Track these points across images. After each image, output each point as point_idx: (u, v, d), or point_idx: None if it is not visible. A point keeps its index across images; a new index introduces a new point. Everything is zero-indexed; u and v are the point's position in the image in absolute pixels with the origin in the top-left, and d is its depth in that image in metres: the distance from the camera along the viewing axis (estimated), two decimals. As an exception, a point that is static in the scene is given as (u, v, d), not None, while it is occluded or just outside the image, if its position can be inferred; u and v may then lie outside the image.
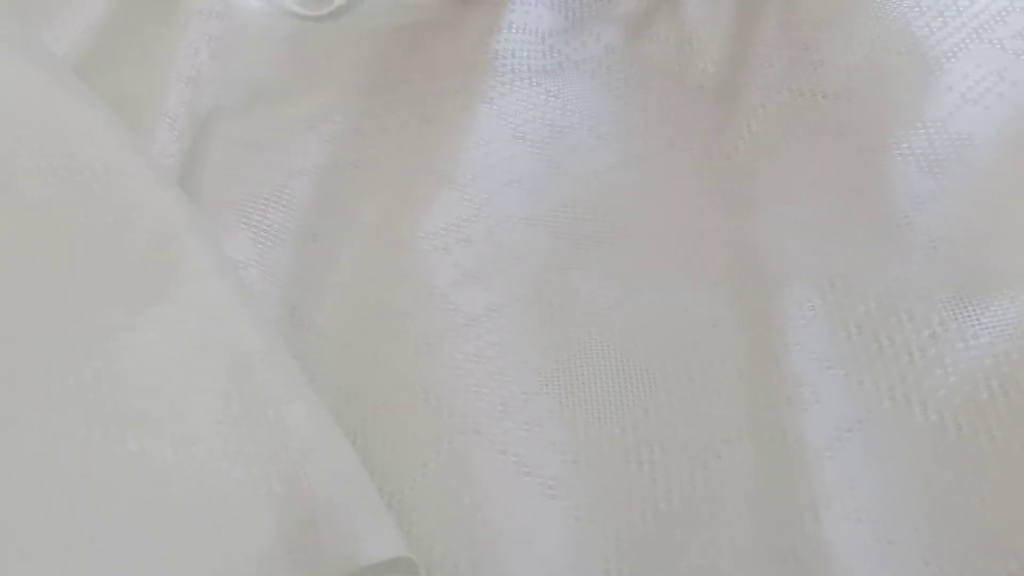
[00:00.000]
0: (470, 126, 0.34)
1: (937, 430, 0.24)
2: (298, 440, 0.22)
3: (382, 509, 0.23)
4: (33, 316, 0.24)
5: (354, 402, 0.27)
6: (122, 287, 0.25)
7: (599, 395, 0.27)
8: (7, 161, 0.27)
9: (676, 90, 0.37)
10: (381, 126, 0.36)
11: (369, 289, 0.30)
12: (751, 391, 0.26)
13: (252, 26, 0.40)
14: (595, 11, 0.40)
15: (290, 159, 0.35)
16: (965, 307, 0.26)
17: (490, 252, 0.31)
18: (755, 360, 0.27)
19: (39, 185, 0.27)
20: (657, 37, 0.38)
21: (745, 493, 0.25)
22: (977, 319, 0.25)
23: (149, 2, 0.39)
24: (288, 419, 0.23)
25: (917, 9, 0.34)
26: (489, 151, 0.34)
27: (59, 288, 0.25)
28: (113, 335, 0.23)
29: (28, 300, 0.24)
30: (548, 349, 0.28)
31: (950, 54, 0.33)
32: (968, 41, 0.33)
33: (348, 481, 0.23)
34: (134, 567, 0.20)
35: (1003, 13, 0.34)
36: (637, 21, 0.39)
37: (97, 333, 0.23)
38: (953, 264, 0.28)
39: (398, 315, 0.29)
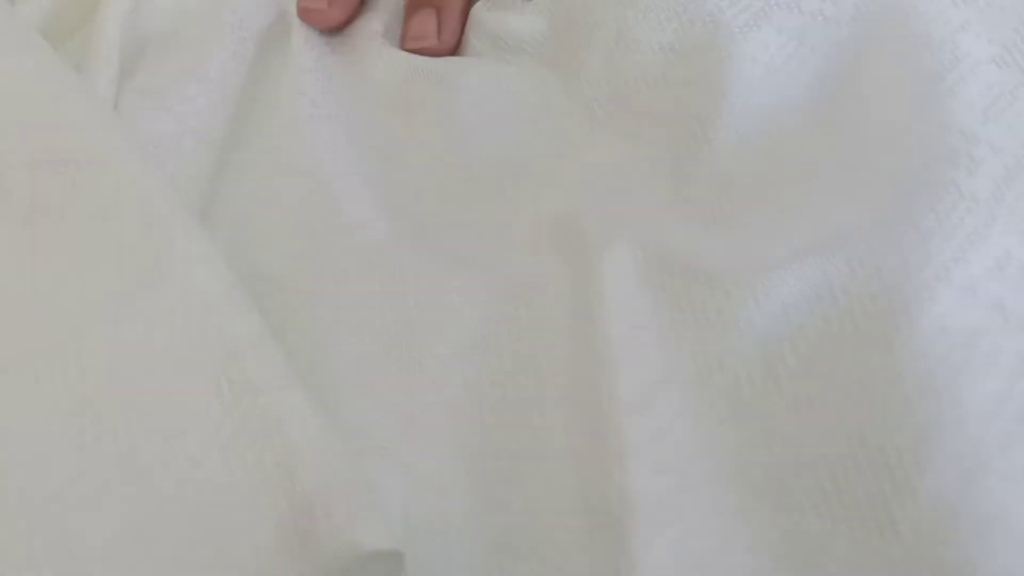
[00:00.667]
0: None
1: (733, 388, 0.26)
2: (292, 427, 0.22)
3: (374, 499, 0.23)
4: (19, 314, 0.23)
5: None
6: (108, 278, 0.24)
7: (435, 360, 0.28)
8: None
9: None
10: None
11: None
12: (573, 352, 0.28)
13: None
14: None
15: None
16: (756, 269, 0.28)
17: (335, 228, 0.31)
18: (577, 323, 0.28)
19: (25, 179, 0.25)
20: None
21: (563, 449, 0.26)
22: (766, 277, 0.27)
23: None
24: (281, 408, 0.23)
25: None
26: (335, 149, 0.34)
27: (45, 283, 0.24)
28: (100, 329, 0.23)
29: (14, 297, 0.23)
30: (387, 318, 0.29)
31: (752, 22, 0.34)
32: (767, 7, 0.35)
33: (342, 469, 0.23)
34: (130, 565, 0.20)
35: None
36: None
37: (84, 328, 0.23)
38: (750, 231, 0.30)
39: None
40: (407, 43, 0.40)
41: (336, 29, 0.41)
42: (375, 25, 0.42)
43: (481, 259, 0.31)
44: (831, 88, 0.33)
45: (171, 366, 0.23)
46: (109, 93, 0.35)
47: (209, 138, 0.37)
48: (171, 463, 0.22)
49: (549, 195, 0.34)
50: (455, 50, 0.41)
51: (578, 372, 0.27)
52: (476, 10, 0.42)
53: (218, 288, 0.25)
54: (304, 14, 0.40)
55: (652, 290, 0.28)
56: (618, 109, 0.36)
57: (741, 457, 0.25)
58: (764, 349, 0.26)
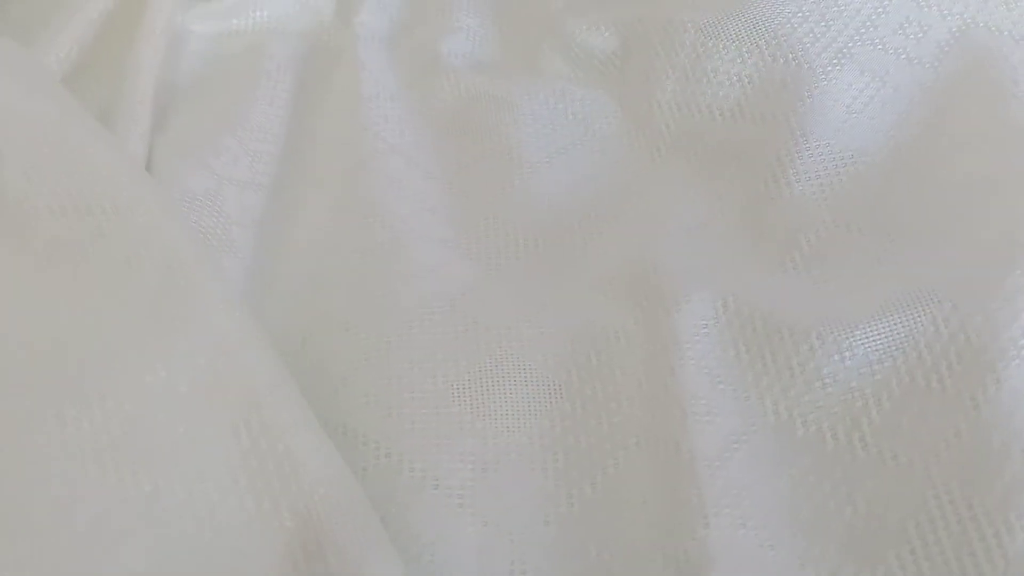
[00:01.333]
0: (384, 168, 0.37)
1: (816, 441, 0.28)
2: (307, 473, 0.25)
3: (386, 542, 0.26)
4: (45, 357, 0.26)
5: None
6: (132, 325, 0.26)
7: (508, 406, 0.31)
8: (21, 201, 0.28)
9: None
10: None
11: (288, 329, 0.32)
12: (648, 402, 0.30)
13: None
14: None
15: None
16: (840, 322, 0.30)
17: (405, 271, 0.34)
18: (653, 372, 0.31)
19: (52, 225, 0.28)
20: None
21: (640, 498, 0.29)
22: (851, 332, 0.30)
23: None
24: (297, 452, 0.25)
25: (800, 14, 0.37)
26: (402, 186, 0.37)
27: (70, 327, 0.26)
28: (124, 373, 0.25)
29: (39, 340, 0.26)
30: (460, 363, 0.32)
31: (835, 60, 0.37)
32: (851, 44, 0.37)
33: (355, 513, 0.25)
34: None
35: (884, 3, 0.38)
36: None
37: (109, 373, 0.25)
38: (832, 281, 0.32)
39: (317, 352, 0.31)
40: None
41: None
42: (437, 44, 0.44)
43: (553, 303, 0.34)
44: (914, 133, 0.35)
45: (193, 412, 0.26)
46: (140, 148, 0.38)
47: (255, 186, 0.39)
48: (192, 506, 0.24)
49: (619, 234, 0.36)
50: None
51: (655, 423, 0.30)
52: (555, 13, 0.44)
53: (238, 335, 0.28)
54: None
55: (733, 343, 0.30)
56: (689, 140, 0.38)
57: (825, 512, 0.27)
58: (848, 404, 0.29)
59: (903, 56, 0.37)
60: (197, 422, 0.26)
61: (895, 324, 0.29)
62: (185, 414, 0.26)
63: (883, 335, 0.29)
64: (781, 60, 0.37)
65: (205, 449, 0.26)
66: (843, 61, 0.36)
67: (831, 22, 0.37)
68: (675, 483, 0.28)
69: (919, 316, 0.29)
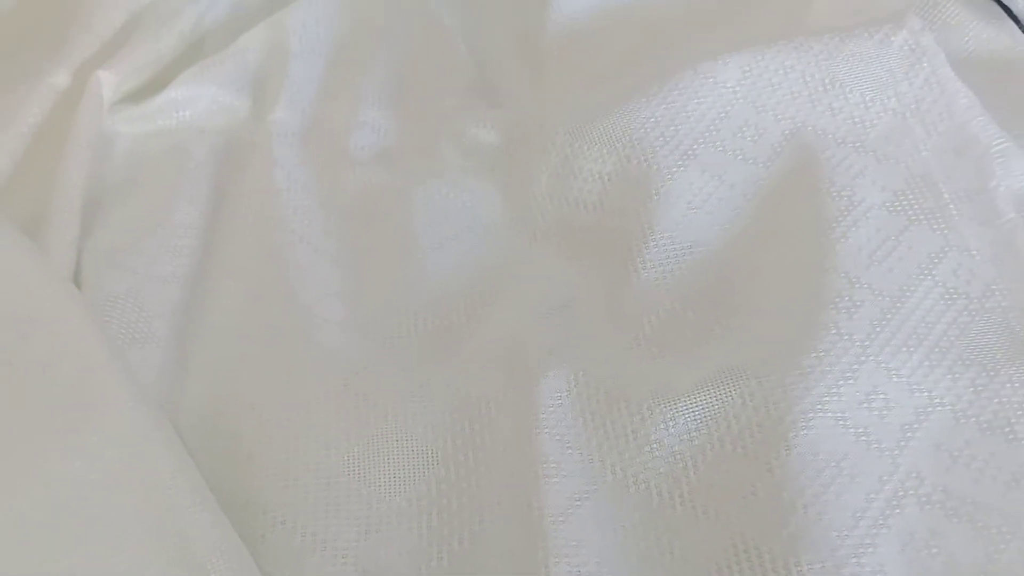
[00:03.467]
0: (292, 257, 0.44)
1: (644, 498, 0.35)
2: (202, 545, 0.31)
3: None
4: None
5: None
6: (52, 420, 0.32)
7: (391, 474, 0.37)
8: None
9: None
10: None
11: (202, 410, 0.38)
12: (510, 465, 0.36)
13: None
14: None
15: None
16: (667, 397, 0.36)
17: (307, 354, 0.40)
18: (515, 439, 0.37)
19: None
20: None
21: (500, 552, 0.35)
22: (675, 404, 0.36)
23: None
24: (194, 529, 0.31)
25: (652, 119, 0.44)
26: (309, 273, 0.43)
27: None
28: (46, 464, 0.31)
29: None
30: (352, 437, 0.38)
31: (680, 161, 0.43)
32: (696, 146, 0.44)
33: (241, 568, 0.31)
34: None
35: (727, 109, 0.45)
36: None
37: (32, 463, 0.31)
38: (665, 357, 0.38)
39: (227, 430, 0.37)
40: None
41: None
42: (345, 138, 0.51)
43: (436, 378, 0.40)
44: (746, 225, 0.42)
45: (105, 496, 0.31)
46: (69, 257, 0.43)
47: (175, 279, 0.44)
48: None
49: (496, 312, 0.43)
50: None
51: (514, 483, 0.36)
52: (449, 109, 0.51)
53: (144, 429, 0.34)
54: None
55: (581, 413, 0.37)
56: (559, 229, 0.45)
57: (649, 558, 0.34)
58: (671, 465, 0.35)
59: (739, 156, 0.43)
60: (108, 506, 0.32)
61: (712, 397, 0.36)
62: (98, 498, 0.32)
63: (701, 406, 0.35)
64: (634, 160, 0.44)
65: (116, 529, 0.31)
66: (687, 162, 0.43)
67: (679, 126, 0.44)
68: (526, 537, 0.34)
69: (731, 390, 0.35)
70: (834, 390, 0.35)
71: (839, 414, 0.34)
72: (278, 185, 0.48)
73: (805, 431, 0.34)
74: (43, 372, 0.35)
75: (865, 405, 0.35)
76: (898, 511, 0.33)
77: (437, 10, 0.56)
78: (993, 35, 0.49)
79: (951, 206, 0.41)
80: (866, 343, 0.36)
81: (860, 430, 0.34)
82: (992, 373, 0.36)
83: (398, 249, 0.46)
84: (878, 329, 0.36)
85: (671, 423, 0.35)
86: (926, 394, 0.35)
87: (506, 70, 0.52)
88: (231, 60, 0.53)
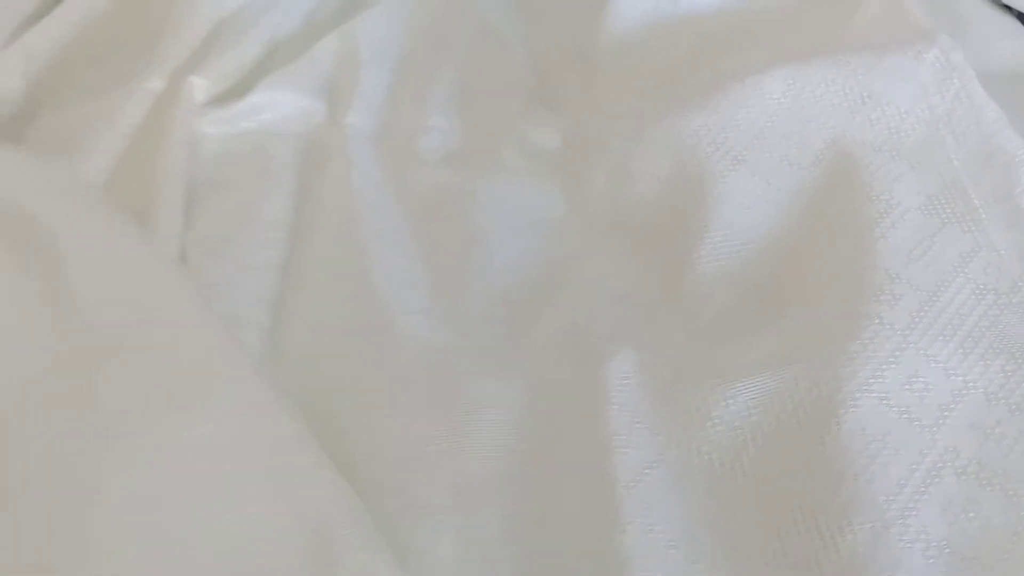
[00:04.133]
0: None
1: (708, 469, 0.39)
2: (323, 500, 0.34)
3: (386, 549, 0.35)
4: (114, 417, 0.35)
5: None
6: (180, 391, 0.36)
7: (477, 445, 0.41)
8: (86, 296, 0.38)
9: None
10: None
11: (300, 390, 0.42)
12: (583, 439, 0.41)
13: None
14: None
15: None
16: (726, 378, 0.40)
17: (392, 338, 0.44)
18: (586, 415, 0.41)
19: (109, 314, 0.38)
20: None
21: (577, 514, 0.39)
22: (735, 385, 0.40)
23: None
24: (315, 486, 0.35)
25: (704, 127, 0.48)
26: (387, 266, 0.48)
27: (131, 394, 0.36)
28: (177, 430, 0.35)
29: (109, 404, 0.35)
30: (439, 412, 0.42)
31: (731, 166, 0.47)
32: (745, 152, 0.48)
33: (358, 516, 0.35)
34: None
35: (772, 119, 0.49)
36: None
37: (165, 430, 0.35)
38: (723, 342, 0.43)
39: (323, 409, 0.41)
40: None
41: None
42: (414, 141, 0.55)
43: (510, 362, 0.44)
44: (792, 226, 0.46)
45: (233, 457, 0.35)
46: (174, 247, 0.47)
47: (269, 269, 0.49)
48: (239, 524, 0.34)
49: (562, 302, 0.47)
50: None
51: (586, 455, 0.40)
52: (512, 116, 0.55)
53: (265, 397, 0.37)
54: None
55: (647, 392, 0.41)
56: (618, 224, 0.49)
57: (713, 523, 0.38)
58: (732, 439, 0.39)
59: (785, 162, 0.47)
60: (236, 467, 0.36)
61: (767, 378, 0.40)
62: (225, 461, 0.36)
63: (758, 387, 0.39)
64: (689, 164, 0.48)
65: (244, 487, 0.35)
66: (738, 166, 0.47)
67: (729, 133, 0.48)
68: (600, 501, 0.38)
69: (785, 372, 0.39)
70: (878, 373, 0.38)
71: (883, 395, 0.38)
72: (355, 184, 0.52)
73: (853, 409, 0.38)
74: (168, 349, 0.38)
75: (907, 387, 0.38)
76: (937, 480, 0.36)
77: (496, 23, 0.60)
78: (1017, 51, 0.53)
79: (980, 210, 0.45)
80: (906, 332, 0.40)
81: (902, 409, 0.38)
82: (1020, 360, 0.39)
83: (467, 243, 0.50)
84: (917, 320, 0.40)
85: (731, 401, 0.39)
86: (961, 378, 0.39)
87: (562, 79, 0.56)
88: (307, 68, 0.57)
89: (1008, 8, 0.57)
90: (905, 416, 0.38)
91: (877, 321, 0.40)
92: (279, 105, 0.56)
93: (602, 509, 0.38)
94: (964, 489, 0.36)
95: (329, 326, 0.46)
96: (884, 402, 0.38)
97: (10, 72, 0.53)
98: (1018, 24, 0.53)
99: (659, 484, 0.38)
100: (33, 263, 0.42)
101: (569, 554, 0.37)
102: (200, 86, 0.53)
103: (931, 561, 0.34)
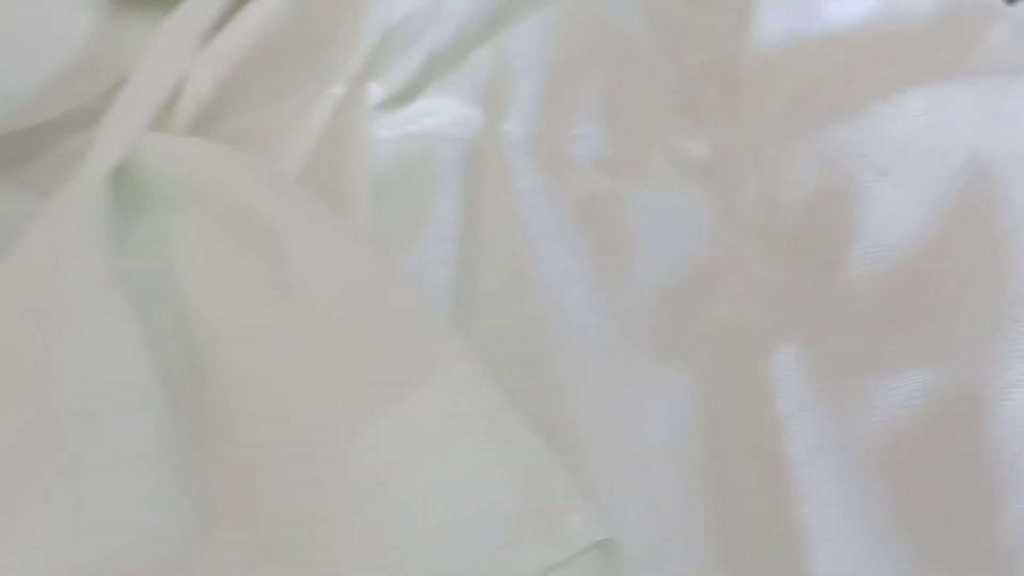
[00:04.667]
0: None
1: (871, 452, 0.43)
2: (539, 462, 0.39)
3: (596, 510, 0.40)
4: (347, 387, 0.40)
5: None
6: (403, 366, 0.41)
7: (655, 425, 0.45)
8: (307, 282, 0.43)
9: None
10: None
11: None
12: (752, 424, 0.45)
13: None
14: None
15: None
16: (884, 372, 0.45)
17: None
18: (755, 403, 0.45)
19: (330, 298, 0.43)
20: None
21: (752, 488, 0.43)
22: (894, 378, 0.44)
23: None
24: (530, 449, 0.39)
25: (850, 141, 0.52)
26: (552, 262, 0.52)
27: (358, 368, 0.41)
28: (405, 399, 0.39)
29: (340, 376, 0.40)
30: (618, 396, 0.46)
31: (877, 177, 0.51)
32: (889, 164, 0.52)
33: (567, 483, 0.39)
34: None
35: (914, 134, 0.53)
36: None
37: (394, 401, 0.39)
38: (878, 340, 0.47)
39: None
40: None
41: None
42: (566, 147, 0.59)
43: (676, 353, 0.48)
44: (936, 234, 0.50)
45: (456, 424, 0.40)
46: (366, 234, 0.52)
47: (444, 262, 0.53)
48: (457, 489, 0.39)
49: (718, 300, 0.51)
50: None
51: (758, 438, 0.44)
52: (660, 124, 0.59)
53: (476, 369, 0.42)
54: None
55: (810, 383, 0.45)
56: (767, 230, 0.53)
57: (880, 500, 0.42)
58: (892, 427, 0.43)
59: (927, 175, 0.51)
60: (459, 433, 0.41)
61: (924, 373, 0.44)
62: (441, 431, 0.41)
63: (917, 380, 0.44)
64: (837, 175, 0.52)
65: (466, 451, 0.40)
66: (883, 178, 0.51)
67: (874, 147, 0.52)
68: (776, 478, 0.43)
69: (939, 369, 0.44)
70: (1025, 372, 0.43)
71: (1034, 390, 0.42)
72: (517, 186, 0.57)
73: (1005, 402, 0.42)
74: (387, 329, 0.43)
75: (1056, 383, 0.43)
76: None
77: (638, 37, 0.64)
78: None
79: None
80: (1050, 334, 0.44)
81: (1051, 402, 0.42)
82: None
83: (623, 244, 0.54)
84: (1059, 323, 0.44)
85: (891, 393, 0.44)
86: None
87: (706, 92, 0.61)
88: (464, 77, 0.62)
89: None
90: (1055, 410, 0.42)
91: (1021, 325, 0.44)
92: (441, 111, 0.61)
93: (779, 484, 0.42)
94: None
95: (501, 317, 0.51)
96: (1035, 397, 0.42)
97: (204, 73, 0.58)
98: None
99: (828, 464, 0.43)
100: (255, 251, 0.47)
101: (751, 521, 0.42)
102: (376, 92, 0.58)
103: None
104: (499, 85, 0.62)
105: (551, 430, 0.45)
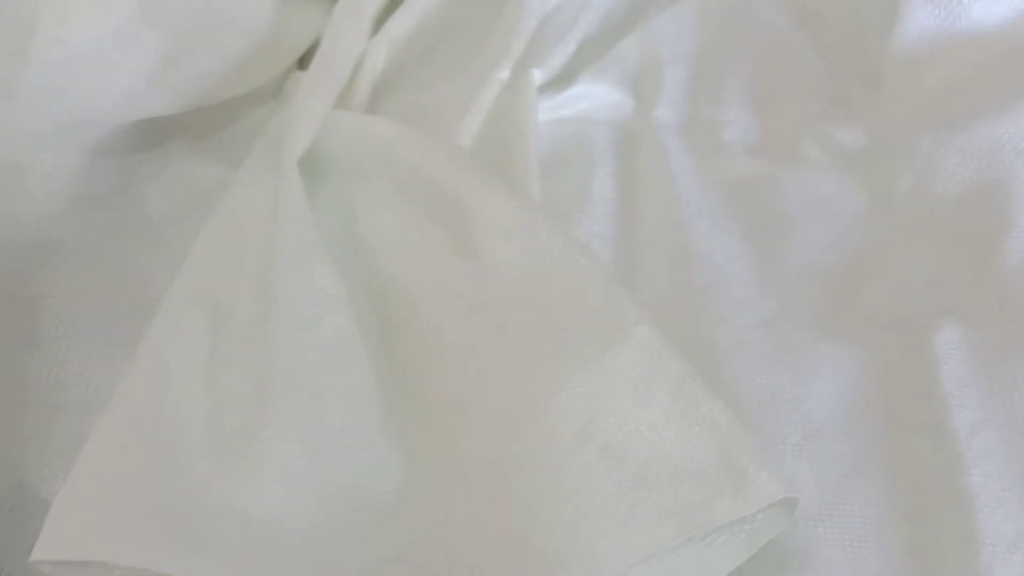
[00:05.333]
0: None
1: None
2: (723, 419, 0.42)
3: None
4: (545, 347, 0.43)
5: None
6: (595, 328, 0.44)
7: (817, 397, 0.48)
8: (494, 252, 0.46)
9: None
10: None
11: None
12: (915, 399, 0.47)
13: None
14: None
15: None
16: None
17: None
18: (917, 378, 0.48)
19: (518, 267, 0.46)
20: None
21: (920, 463, 0.46)
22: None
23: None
24: (716, 408, 0.42)
25: (1007, 135, 0.54)
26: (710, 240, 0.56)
27: (553, 331, 0.44)
28: (601, 359, 0.42)
29: (537, 337, 0.44)
30: (781, 366, 0.49)
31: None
32: None
33: (752, 442, 0.42)
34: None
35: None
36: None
37: (582, 362, 0.42)
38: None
39: None
40: None
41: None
42: (718, 133, 0.62)
43: (837, 331, 0.51)
44: (1091, 225, 0.52)
45: (634, 393, 0.43)
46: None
47: (605, 238, 0.57)
48: (649, 444, 0.41)
49: (876, 284, 0.53)
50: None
51: (923, 412, 0.47)
52: (813, 113, 0.62)
53: (660, 338, 0.45)
54: None
55: (973, 361, 0.48)
56: (921, 219, 0.55)
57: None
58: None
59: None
60: (640, 398, 0.43)
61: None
62: (630, 393, 0.43)
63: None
64: (993, 168, 0.54)
65: (652, 413, 0.43)
66: (1033, 172, 0.53)
67: (1029, 138, 0.54)
68: (943, 451, 0.45)
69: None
70: None
71: None
72: (672, 169, 0.60)
73: None
74: (576, 295, 0.46)
75: None
76: None
77: (783, 29, 0.67)
78: None
79: None
80: None
81: None
82: None
83: (777, 227, 0.57)
84: None
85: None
86: None
87: (854, 83, 0.63)
88: (614, 65, 0.65)
89: None
90: None
91: None
92: (594, 97, 0.64)
93: (947, 455, 0.45)
94: None
95: (667, 290, 0.54)
96: None
97: (377, 55, 0.61)
98: None
99: (991, 439, 0.45)
100: (440, 220, 0.51)
101: (922, 487, 0.44)
102: (537, 77, 0.61)
103: None
104: (647, 72, 0.65)
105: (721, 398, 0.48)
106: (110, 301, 0.53)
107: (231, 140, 0.60)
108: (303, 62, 0.65)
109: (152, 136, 0.59)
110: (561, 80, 0.64)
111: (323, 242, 0.50)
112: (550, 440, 0.41)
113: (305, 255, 0.47)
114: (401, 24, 0.63)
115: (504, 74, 0.61)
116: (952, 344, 0.48)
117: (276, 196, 0.50)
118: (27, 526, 0.45)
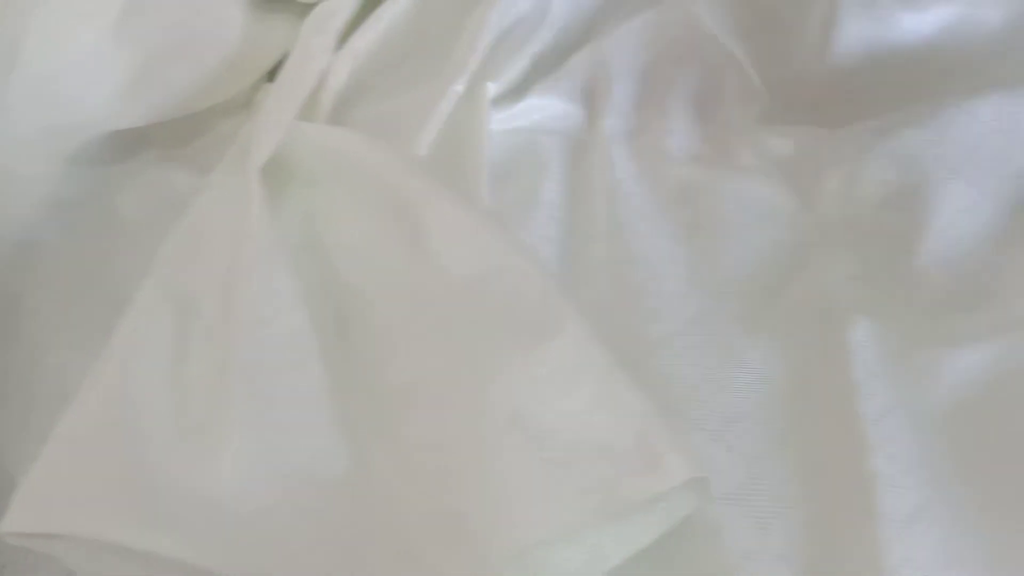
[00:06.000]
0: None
1: (938, 412, 0.49)
2: (641, 405, 0.46)
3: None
4: (485, 338, 0.47)
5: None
6: (532, 322, 0.48)
7: (740, 385, 0.52)
8: (444, 253, 0.50)
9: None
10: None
11: None
12: (831, 386, 0.51)
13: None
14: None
15: None
16: (952, 345, 0.51)
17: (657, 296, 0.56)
18: (832, 369, 0.52)
19: (466, 266, 0.49)
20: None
21: (824, 443, 0.49)
22: (958, 350, 0.50)
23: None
24: (635, 396, 0.46)
25: (927, 141, 0.58)
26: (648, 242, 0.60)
27: (494, 322, 0.48)
28: (536, 349, 0.46)
29: (479, 328, 0.47)
30: (705, 356, 0.53)
31: (949, 176, 0.57)
32: (960, 165, 0.57)
33: (667, 426, 0.46)
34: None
35: (983, 138, 0.59)
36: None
37: (516, 354, 0.46)
38: (946, 315, 0.53)
39: None
40: None
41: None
42: (661, 142, 0.66)
43: (762, 323, 0.55)
44: (1001, 226, 0.56)
45: (565, 379, 0.47)
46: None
47: (553, 242, 0.60)
48: (574, 429, 0.45)
49: (801, 280, 0.57)
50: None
51: (833, 399, 0.51)
52: (749, 122, 0.66)
53: (587, 333, 0.48)
54: None
55: (884, 353, 0.51)
56: (846, 221, 0.59)
57: (943, 456, 0.47)
58: (954, 394, 0.49)
59: (994, 175, 0.57)
60: (568, 385, 0.47)
61: (987, 347, 0.50)
62: (559, 380, 0.47)
63: (979, 353, 0.50)
64: (912, 173, 0.58)
65: (577, 400, 0.46)
66: (955, 176, 0.57)
67: (947, 148, 0.58)
68: (848, 434, 0.49)
69: (1001, 344, 0.50)
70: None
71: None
72: (616, 175, 0.63)
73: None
74: (517, 291, 0.50)
75: None
76: None
77: (726, 43, 0.71)
78: None
79: None
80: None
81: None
82: None
83: (714, 228, 0.61)
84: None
85: (955, 363, 0.50)
86: None
87: (790, 94, 0.67)
88: (566, 79, 0.69)
89: None
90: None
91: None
92: (546, 108, 0.68)
93: (853, 439, 0.48)
94: None
95: (605, 287, 0.58)
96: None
97: (341, 68, 0.65)
98: None
99: (898, 424, 0.49)
100: (395, 223, 0.54)
101: (828, 469, 0.48)
102: (491, 90, 0.65)
103: None
104: (598, 85, 0.69)
105: (648, 387, 0.51)
106: (86, 300, 0.56)
107: (202, 149, 0.63)
108: (272, 75, 0.69)
109: (127, 146, 0.62)
110: (515, 92, 0.68)
111: (283, 245, 0.53)
112: (484, 424, 0.45)
113: (265, 258, 0.51)
114: (364, 39, 0.67)
115: (460, 87, 0.65)
116: (865, 336, 0.52)
117: (240, 202, 0.53)
118: (3, 512, 0.48)
